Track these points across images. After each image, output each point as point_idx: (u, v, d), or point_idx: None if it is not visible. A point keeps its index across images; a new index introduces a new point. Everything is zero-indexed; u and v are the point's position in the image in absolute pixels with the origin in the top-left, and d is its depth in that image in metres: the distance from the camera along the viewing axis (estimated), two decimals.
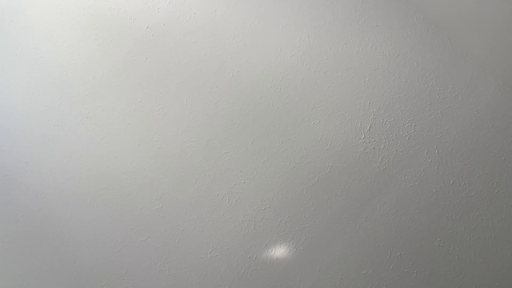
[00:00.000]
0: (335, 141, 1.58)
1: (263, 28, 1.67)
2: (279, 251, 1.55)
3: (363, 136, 1.56)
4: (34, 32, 1.78)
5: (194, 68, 1.68)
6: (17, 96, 1.75)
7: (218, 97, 1.65)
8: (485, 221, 1.48)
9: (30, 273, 1.65)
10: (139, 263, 1.60)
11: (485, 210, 1.48)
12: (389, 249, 1.50)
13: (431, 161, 1.53)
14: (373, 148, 1.55)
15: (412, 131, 1.55)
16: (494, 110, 1.52)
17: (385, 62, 1.59)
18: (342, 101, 1.59)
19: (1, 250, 1.67)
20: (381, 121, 1.56)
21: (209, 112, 1.65)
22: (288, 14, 1.67)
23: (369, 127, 1.57)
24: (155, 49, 1.71)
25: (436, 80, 1.56)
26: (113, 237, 1.62)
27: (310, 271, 1.53)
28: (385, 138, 1.55)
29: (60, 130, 1.71)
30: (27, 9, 1.80)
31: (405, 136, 1.55)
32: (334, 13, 1.65)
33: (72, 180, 1.67)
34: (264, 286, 1.54)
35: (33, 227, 1.67)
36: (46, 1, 1.79)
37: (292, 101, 1.62)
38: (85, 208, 1.65)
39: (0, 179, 1.71)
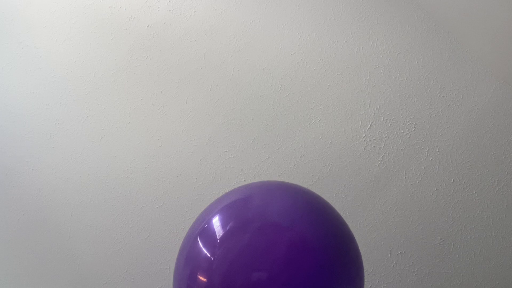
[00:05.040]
0: (336, 139, 1.57)
1: (263, 26, 1.67)
2: None
3: (364, 135, 1.56)
4: (35, 31, 1.78)
5: (194, 66, 1.68)
6: (17, 95, 1.75)
7: (218, 96, 1.65)
8: (486, 220, 1.48)
9: (30, 272, 1.65)
10: (140, 262, 1.60)
11: (485, 208, 1.48)
12: (390, 248, 1.50)
13: (431, 159, 1.52)
14: (374, 146, 1.55)
15: (413, 129, 1.55)
16: (495, 108, 1.52)
17: (386, 61, 1.59)
18: (342, 100, 1.59)
19: (2, 249, 1.67)
20: (382, 119, 1.56)
21: (210, 111, 1.65)
22: (288, 12, 1.66)
23: (370, 125, 1.57)
24: (155, 48, 1.71)
25: (437, 78, 1.56)
26: (113, 236, 1.62)
27: None
28: (385, 137, 1.55)
29: (60, 129, 1.71)
30: (28, 8, 1.80)
31: (406, 134, 1.55)
32: (334, 11, 1.64)
33: (73, 178, 1.67)
34: None
35: (34, 226, 1.67)
36: (47, 0, 1.79)
37: (292, 99, 1.62)
38: (86, 206, 1.65)
39: (1, 178, 1.71)
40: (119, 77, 1.71)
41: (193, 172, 1.62)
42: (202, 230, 0.75)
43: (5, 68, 1.77)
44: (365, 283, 1.50)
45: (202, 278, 0.68)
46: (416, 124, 1.55)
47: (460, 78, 1.55)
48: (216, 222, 0.74)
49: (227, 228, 0.72)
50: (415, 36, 1.59)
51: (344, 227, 0.80)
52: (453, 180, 1.51)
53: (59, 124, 1.71)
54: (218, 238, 0.70)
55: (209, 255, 0.69)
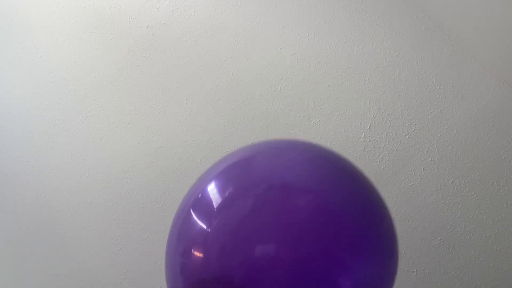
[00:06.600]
0: (335, 140, 1.57)
1: (263, 27, 1.67)
2: None
3: (363, 135, 1.56)
4: (35, 31, 1.78)
5: (194, 67, 1.68)
6: (17, 95, 1.75)
7: (218, 96, 1.65)
8: (485, 220, 1.48)
9: (30, 272, 1.65)
10: (139, 262, 1.60)
11: (485, 209, 1.48)
12: None
13: (431, 160, 1.52)
14: (373, 147, 1.55)
15: (412, 130, 1.55)
16: (494, 109, 1.52)
17: (385, 61, 1.59)
18: (342, 100, 1.59)
19: (2, 249, 1.68)
20: (381, 120, 1.56)
21: (209, 111, 1.65)
22: (288, 13, 1.66)
23: (369, 126, 1.57)
24: (155, 48, 1.71)
25: (436, 79, 1.56)
26: (113, 236, 1.63)
27: None
28: (385, 137, 1.55)
29: (60, 129, 1.71)
30: (28, 8, 1.80)
31: (405, 135, 1.55)
32: (334, 12, 1.64)
33: (72, 179, 1.67)
34: None
35: (34, 226, 1.67)
36: (47, 0, 1.79)
37: (292, 100, 1.62)
38: (86, 207, 1.65)
39: (1, 178, 1.71)
40: (119, 77, 1.71)
41: (193, 172, 1.62)
42: (197, 198, 0.62)
43: (5, 68, 1.77)
44: None
45: (197, 254, 0.57)
46: (415, 124, 1.55)
47: (459, 78, 1.55)
48: (213, 188, 0.61)
49: (226, 194, 0.59)
50: (415, 37, 1.59)
51: (375, 192, 0.64)
52: (453, 181, 1.51)
53: (59, 124, 1.71)
54: (215, 206, 0.58)
55: (205, 227, 0.57)
